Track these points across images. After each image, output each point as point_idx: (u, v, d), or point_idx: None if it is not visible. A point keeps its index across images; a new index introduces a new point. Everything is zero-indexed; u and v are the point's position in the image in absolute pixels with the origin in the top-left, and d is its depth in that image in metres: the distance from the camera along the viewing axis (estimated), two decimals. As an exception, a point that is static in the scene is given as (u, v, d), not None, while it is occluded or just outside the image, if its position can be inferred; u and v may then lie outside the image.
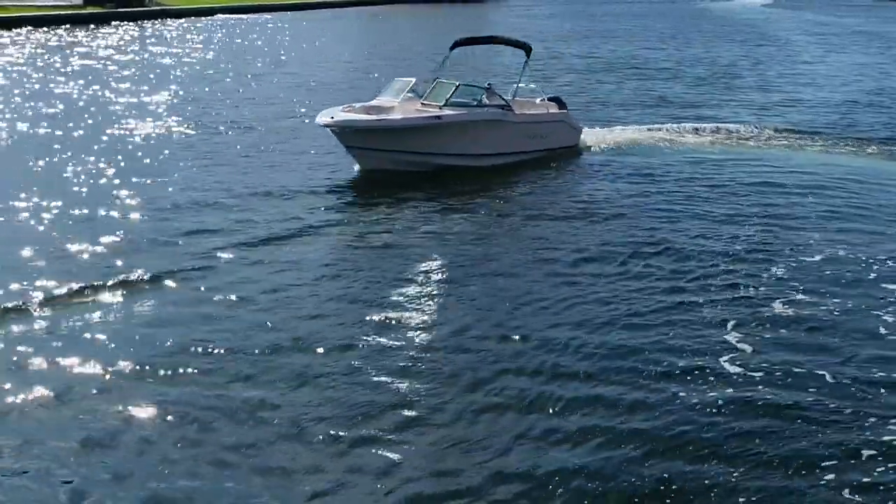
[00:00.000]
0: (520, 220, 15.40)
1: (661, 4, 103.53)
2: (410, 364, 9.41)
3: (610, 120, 25.04)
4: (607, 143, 21.85)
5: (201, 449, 7.82)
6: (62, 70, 34.78)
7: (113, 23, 60.28)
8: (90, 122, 23.74)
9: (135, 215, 14.83)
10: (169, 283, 11.60)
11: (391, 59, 41.28)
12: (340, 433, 8.06)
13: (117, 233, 13.63)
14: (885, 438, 8.08)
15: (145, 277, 11.61)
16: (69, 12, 61.69)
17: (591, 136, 22.06)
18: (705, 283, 12.02)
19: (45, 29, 53.95)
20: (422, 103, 18.67)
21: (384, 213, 15.52)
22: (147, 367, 9.19)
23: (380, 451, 7.80)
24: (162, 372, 9.13)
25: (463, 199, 16.59)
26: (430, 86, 19.27)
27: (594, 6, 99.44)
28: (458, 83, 19.31)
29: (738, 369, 9.41)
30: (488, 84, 20.21)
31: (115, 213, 14.90)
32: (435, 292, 11.58)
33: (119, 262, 12.26)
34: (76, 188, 16.75)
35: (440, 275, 12.27)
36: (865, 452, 7.87)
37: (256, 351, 9.66)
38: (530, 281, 12.06)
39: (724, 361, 9.59)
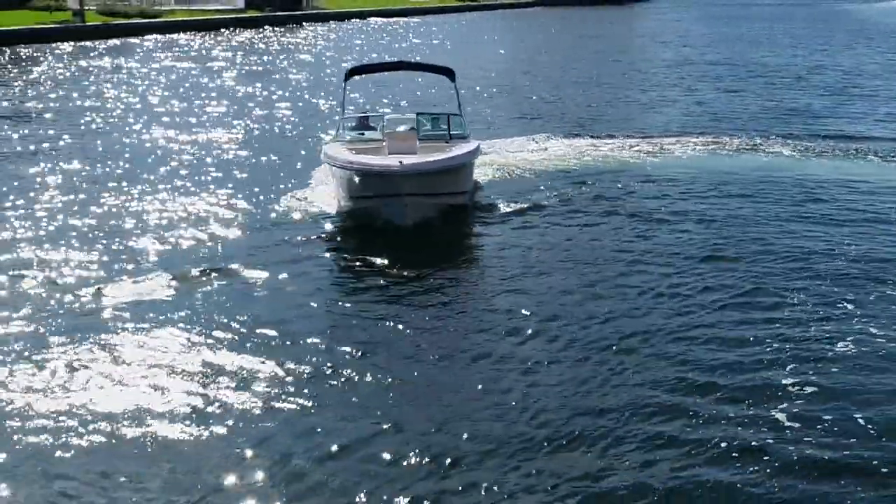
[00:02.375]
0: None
1: (801, 8, 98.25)
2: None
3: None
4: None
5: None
6: (227, 73, 37.35)
7: (274, 27, 63.77)
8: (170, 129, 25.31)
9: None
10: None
11: (517, 62, 41.96)
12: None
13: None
14: (780, 486, 8.16)
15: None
16: (232, 16, 65.90)
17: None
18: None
19: (210, 33, 57.76)
20: (400, 139, 16.83)
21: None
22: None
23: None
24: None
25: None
26: (396, 122, 17.65)
27: (734, 8, 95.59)
28: (439, 113, 18.00)
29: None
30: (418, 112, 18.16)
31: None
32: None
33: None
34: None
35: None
36: None
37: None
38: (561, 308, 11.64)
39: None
